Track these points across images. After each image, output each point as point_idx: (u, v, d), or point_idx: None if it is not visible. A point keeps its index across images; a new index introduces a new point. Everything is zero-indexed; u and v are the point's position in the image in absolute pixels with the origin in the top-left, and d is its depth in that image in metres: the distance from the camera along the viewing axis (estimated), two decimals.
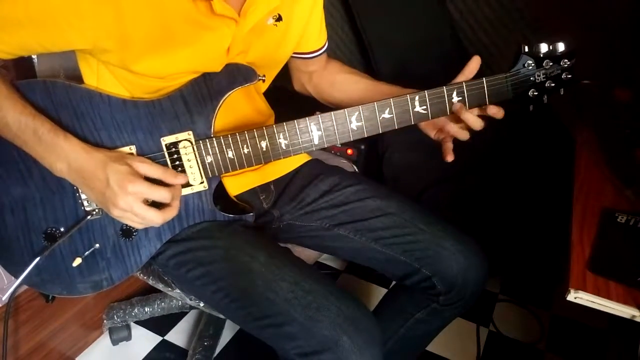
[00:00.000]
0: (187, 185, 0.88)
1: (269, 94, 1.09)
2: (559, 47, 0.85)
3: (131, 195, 0.78)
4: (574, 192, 0.92)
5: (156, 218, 0.80)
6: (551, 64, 0.86)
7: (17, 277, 0.87)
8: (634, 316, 0.71)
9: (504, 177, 1.53)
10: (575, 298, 0.73)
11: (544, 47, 0.85)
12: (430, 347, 1.43)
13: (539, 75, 0.87)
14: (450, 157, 0.91)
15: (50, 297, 1.31)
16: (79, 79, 0.89)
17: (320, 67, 1.10)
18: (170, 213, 0.82)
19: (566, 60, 0.86)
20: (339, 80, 1.09)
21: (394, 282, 1.18)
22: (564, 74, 0.87)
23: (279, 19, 0.93)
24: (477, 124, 0.87)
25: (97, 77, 0.87)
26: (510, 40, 1.48)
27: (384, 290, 1.69)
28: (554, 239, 1.47)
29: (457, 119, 0.89)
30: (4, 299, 0.91)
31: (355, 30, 1.65)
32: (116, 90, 0.86)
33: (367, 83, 1.06)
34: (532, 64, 0.86)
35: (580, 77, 0.89)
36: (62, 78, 0.94)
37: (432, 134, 0.95)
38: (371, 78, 1.07)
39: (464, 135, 0.90)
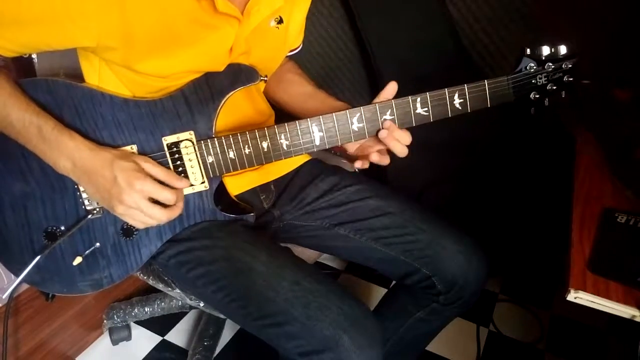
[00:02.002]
0: (187, 186, 0.88)
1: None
2: (561, 50, 0.85)
3: (138, 193, 0.78)
4: (574, 192, 0.92)
5: (161, 215, 0.81)
6: (553, 66, 0.86)
7: (17, 275, 0.87)
8: (634, 316, 0.71)
9: (504, 177, 1.53)
10: (575, 298, 0.73)
11: (545, 50, 0.85)
12: (430, 347, 1.44)
13: (540, 78, 0.87)
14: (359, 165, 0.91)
15: (50, 296, 1.30)
16: (79, 78, 0.89)
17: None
18: (174, 212, 0.83)
19: (568, 63, 0.86)
20: (286, 79, 1.09)
21: (394, 282, 1.18)
22: (565, 77, 0.87)
23: (280, 21, 0.93)
24: (405, 140, 0.86)
25: (98, 76, 0.87)
26: (510, 40, 1.48)
27: (384, 290, 1.69)
28: (554, 239, 1.47)
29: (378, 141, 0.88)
30: (4, 297, 0.91)
31: (355, 30, 1.65)
32: (118, 90, 0.86)
33: (310, 89, 1.05)
34: (534, 67, 0.86)
35: (580, 78, 0.89)
36: (62, 77, 0.93)
37: (353, 148, 0.94)
38: (316, 87, 1.06)
39: (385, 161, 0.89)
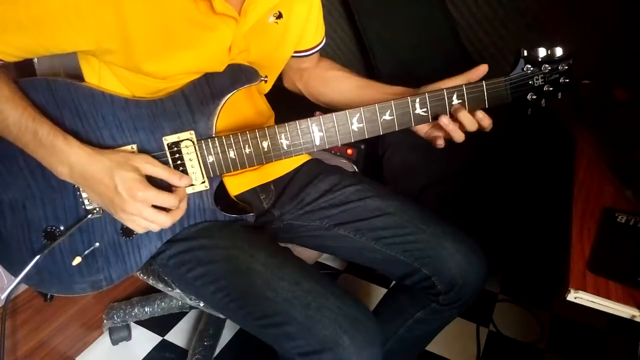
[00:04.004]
0: (189, 185, 0.88)
1: (269, 95, 1.09)
2: (557, 52, 0.87)
3: (140, 202, 0.78)
4: (573, 192, 0.92)
5: (165, 220, 0.81)
6: (549, 68, 0.87)
7: (16, 276, 0.86)
8: (634, 316, 0.71)
9: (504, 177, 1.53)
10: (575, 298, 0.73)
11: (542, 52, 0.87)
12: (430, 347, 1.44)
13: (537, 79, 0.88)
14: (441, 143, 0.92)
15: (49, 296, 1.31)
16: (79, 78, 0.89)
17: (312, 64, 1.10)
18: (177, 214, 0.83)
19: (564, 65, 0.87)
20: (331, 77, 1.08)
21: (394, 282, 1.18)
22: (561, 78, 0.88)
23: (279, 16, 0.93)
24: (472, 126, 0.88)
25: (98, 77, 0.87)
26: (510, 40, 1.48)
27: (384, 290, 1.69)
28: (554, 239, 1.47)
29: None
30: (2, 297, 0.90)
31: (355, 30, 1.65)
32: (118, 90, 0.86)
33: (359, 80, 1.05)
34: (531, 68, 0.87)
35: (578, 79, 0.90)
36: (62, 77, 0.93)
37: (424, 131, 0.94)
38: (362, 76, 1.07)
39: (459, 136, 0.89)
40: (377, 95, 0.99)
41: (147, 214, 0.79)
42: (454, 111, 0.87)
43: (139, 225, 0.81)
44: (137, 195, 0.78)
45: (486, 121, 0.89)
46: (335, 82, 1.08)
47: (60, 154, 0.78)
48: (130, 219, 0.80)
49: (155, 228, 0.82)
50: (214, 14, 0.82)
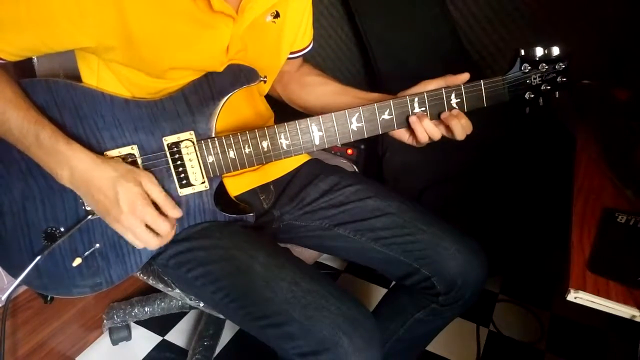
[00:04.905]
0: (189, 185, 0.88)
1: (268, 96, 1.09)
2: (554, 51, 0.88)
3: (137, 218, 0.79)
4: (574, 192, 0.92)
5: (154, 243, 0.81)
6: (546, 67, 0.88)
7: (16, 277, 0.86)
8: (634, 316, 0.71)
9: (504, 177, 1.53)
10: (575, 298, 0.73)
11: (539, 51, 0.88)
12: (430, 347, 1.44)
13: (534, 78, 0.89)
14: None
15: (49, 298, 1.31)
16: (78, 79, 0.89)
17: (294, 68, 1.10)
18: (164, 241, 0.83)
19: (561, 64, 0.88)
20: (309, 82, 1.08)
21: (393, 282, 1.18)
22: (559, 77, 0.89)
23: (277, 15, 0.93)
24: (436, 134, 0.88)
25: (97, 77, 0.87)
26: (510, 40, 1.48)
27: (384, 290, 1.69)
28: (554, 239, 1.47)
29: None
30: (3, 298, 0.90)
31: (355, 30, 1.65)
32: (117, 91, 0.86)
33: (336, 86, 1.05)
34: (528, 68, 0.88)
35: (575, 80, 0.90)
36: (62, 78, 0.93)
37: (406, 137, 0.94)
38: (341, 82, 1.06)
39: (437, 134, 0.89)
40: (352, 100, 0.99)
41: (139, 231, 0.79)
42: (416, 119, 0.88)
43: (126, 237, 0.81)
44: (136, 211, 0.78)
45: (436, 134, 0.89)
46: (313, 87, 1.07)
47: (61, 157, 0.78)
48: (120, 230, 0.80)
49: (139, 245, 0.82)
50: (212, 12, 0.82)
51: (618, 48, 1.27)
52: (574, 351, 1.51)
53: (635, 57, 1.19)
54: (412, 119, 0.88)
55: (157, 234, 0.81)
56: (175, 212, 0.84)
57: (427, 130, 0.88)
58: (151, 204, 0.80)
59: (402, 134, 0.93)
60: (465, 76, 0.89)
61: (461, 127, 0.87)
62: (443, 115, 0.88)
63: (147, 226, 0.80)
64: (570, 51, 0.88)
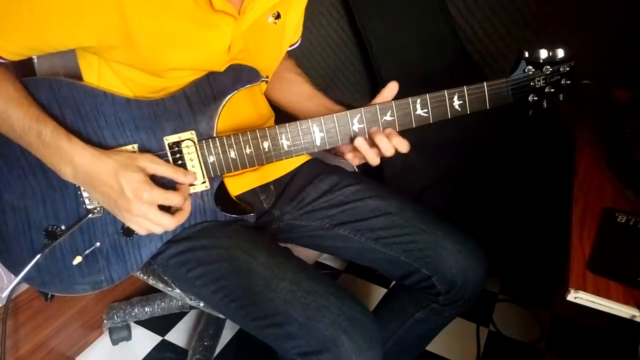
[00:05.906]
0: (194, 180, 0.88)
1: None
2: (559, 54, 0.87)
3: (146, 203, 0.78)
4: (573, 192, 0.92)
5: (170, 223, 0.81)
6: (550, 69, 0.87)
7: (17, 275, 0.87)
8: (634, 316, 0.71)
9: (504, 177, 1.53)
10: (575, 298, 0.73)
11: (543, 53, 0.86)
12: (430, 347, 1.43)
13: (538, 81, 0.88)
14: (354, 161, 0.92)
15: (49, 296, 1.31)
16: (79, 79, 0.89)
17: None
18: (183, 216, 0.83)
19: (566, 67, 0.87)
20: (287, 78, 1.08)
21: (393, 282, 1.18)
22: (563, 80, 0.88)
23: (278, 16, 0.93)
24: (388, 151, 0.86)
25: (98, 76, 0.87)
26: (510, 40, 1.48)
27: (384, 290, 1.69)
28: (554, 239, 1.47)
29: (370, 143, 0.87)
30: (3, 296, 0.91)
31: (355, 30, 1.65)
32: (118, 90, 0.86)
33: (309, 89, 1.05)
34: (532, 70, 0.87)
35: (579, 79, 0.89)
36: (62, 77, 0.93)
37: (346, 151, 0.93)
38: (315, 88, 1.06)
39: (373, 159, 0.88)
40: (316, 108, 1.00)
41: (152, 216, 0.79)
42: (371, 134, 0.86)
43: (141, 226, 0.81)
44: (143, 197, 0.78)
45: (403, 146, 0.87)
46: (289, 84, 1.07)
47: (64, 154, 0.78)
48: (133, 220, 0.80)
49: (158, 230, 0.82)
50: (213, 11, 0.82)
51: (618, 48, 1.27)
52: (574, 351, 1.51)
53: (636, 57, 1.19)
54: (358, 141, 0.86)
55: (171, 212, 0.81)
56: (188, 177, 0.83)
57: (382, 145, 0.86)
58: (155, 185, 0.79)
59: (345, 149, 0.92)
60: (393, 85, 0.87)
61: (386, 145, 0.86)
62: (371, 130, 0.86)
63: (160, 208, 0.80)
64: (575, 53, 0.87)
